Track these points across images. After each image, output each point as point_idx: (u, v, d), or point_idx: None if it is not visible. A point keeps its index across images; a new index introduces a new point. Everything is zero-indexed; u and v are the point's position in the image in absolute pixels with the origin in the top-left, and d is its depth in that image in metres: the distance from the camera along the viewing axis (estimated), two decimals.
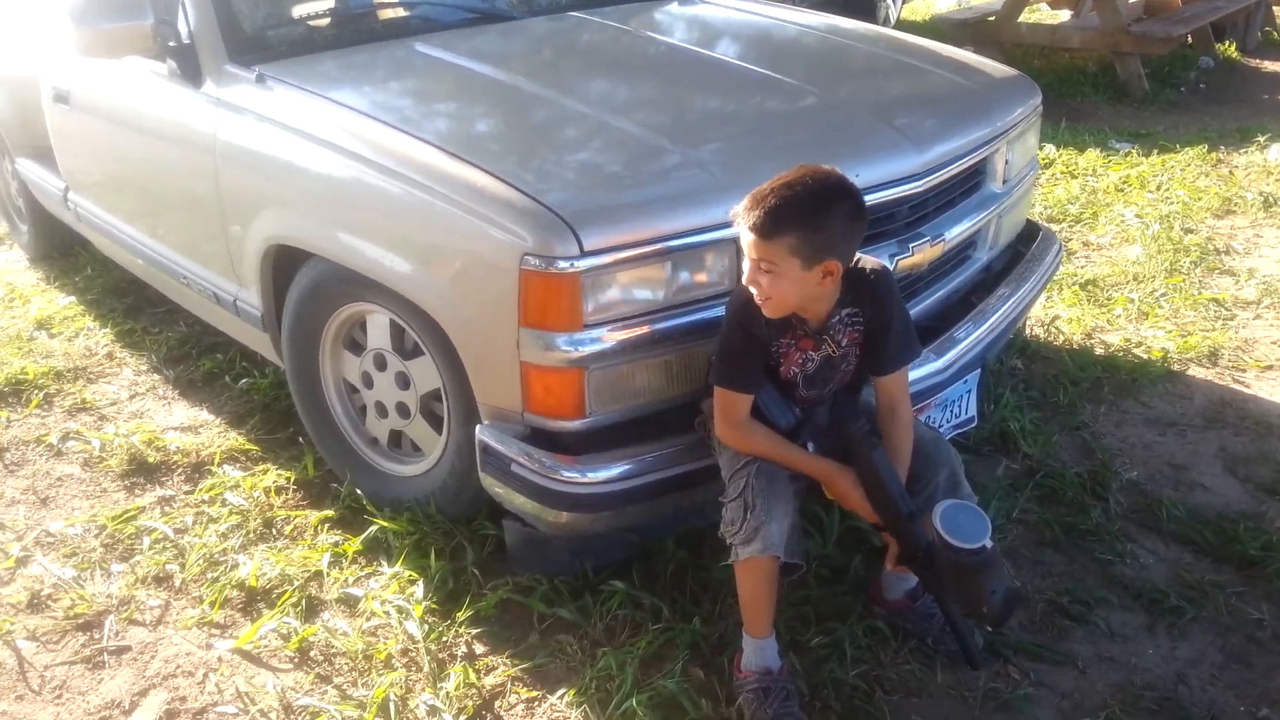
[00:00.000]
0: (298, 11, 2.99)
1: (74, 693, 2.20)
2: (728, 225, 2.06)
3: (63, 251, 4.33)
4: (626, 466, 2.11)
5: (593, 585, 2.33)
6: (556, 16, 3.23)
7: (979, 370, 2.63)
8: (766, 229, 1.78)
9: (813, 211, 1.78)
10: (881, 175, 2.34)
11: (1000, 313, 2.71)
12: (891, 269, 2.23)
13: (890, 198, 2.36)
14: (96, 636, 2.34)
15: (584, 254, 2.00)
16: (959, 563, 1.76)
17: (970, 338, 2.60)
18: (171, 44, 2.78)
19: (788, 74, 2.74)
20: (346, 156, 2.35)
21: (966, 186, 2.71)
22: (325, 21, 2.99)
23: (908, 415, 2.02)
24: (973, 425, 2.68)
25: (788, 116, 2.59)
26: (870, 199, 2.28)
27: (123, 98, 3.15)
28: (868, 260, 2.01)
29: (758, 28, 3.33)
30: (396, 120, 2.37)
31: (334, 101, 2.49)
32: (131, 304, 3.90)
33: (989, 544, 1.75)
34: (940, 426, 2.57)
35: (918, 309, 2.58)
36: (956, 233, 2.59)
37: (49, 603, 2.44)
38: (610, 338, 2.07)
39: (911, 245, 2.43)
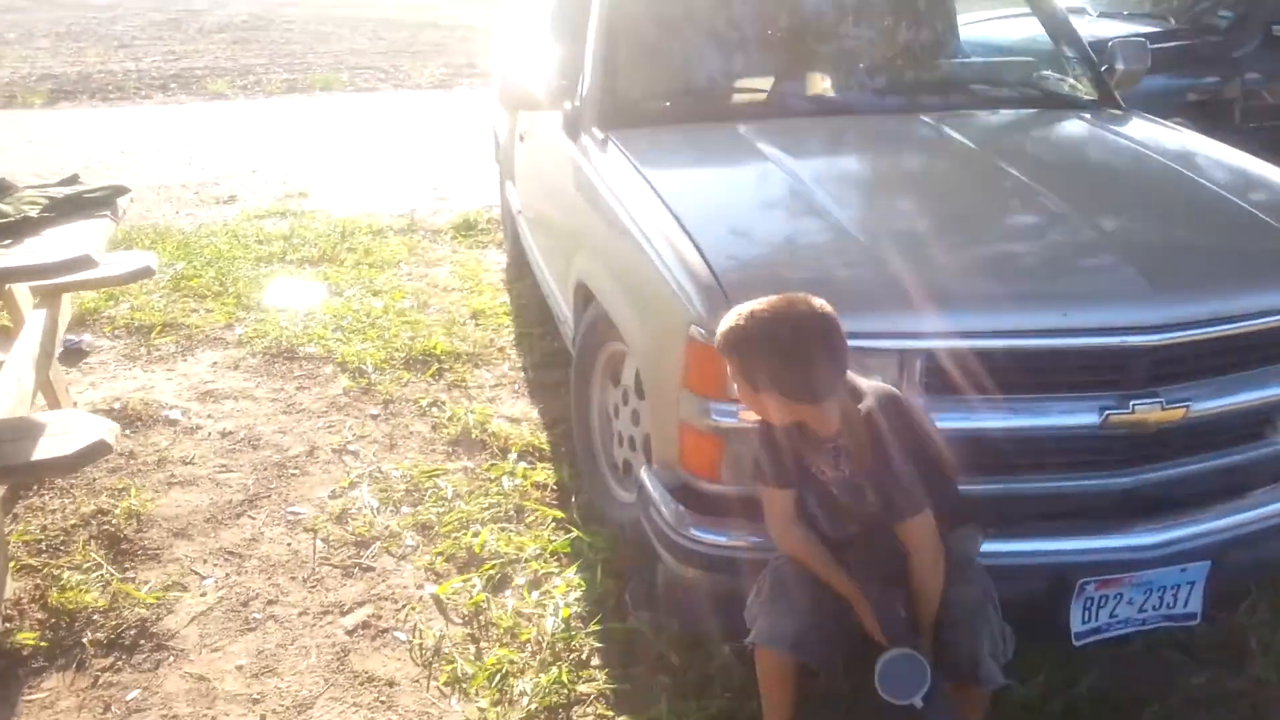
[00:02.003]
0: (655, 90, 3.43)
1: (322, 587, 2.85)
2: (888, 335, 2.12)
3: (526, 260, 5.28)
4: (726, 536, 2.24)
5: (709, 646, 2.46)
6: (900, 117, 3.32)
7: (1208, 565, 2.30)
8: (719, 346, 1.86)
9: (754, 346, 1.81)
10: (1097, 319, 2.19)
11: (1259, 514, 2.33)
12: (898, 399, 1.99)
13: (1103, 345, 2.19)
14: (361, 554, 2.98)
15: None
16: (889, 708, 1.69)
17: (1203, 527, 2.30)
18: (567, 105, 3.38)
19: (1066, 194, 2.61)
20: (621, 214, 2.74)
21: (1258, 355, 2.36)
22: (678, 101, 3.40)
23: (922, 564, 1.91)
24: (1192, 623, 2.34)
25: (1022, 235, 2.50)
26: (1077, 341, 2.18)
27: (545, 141, 3.85)
28: (871, 391, 1.91)
29: (1096, 144, 3.17)
30: (664, 188, 2.70)
31: (634, 166, 2.89)
32: (545, 313, 4.66)
33: (917, 704, 1.66)
34: (1144, 612, 2.31)
35: (1156, 475, 2.34)
36: (1214, 405, 2.29)
37: (349, 519, 3.15)
38: (747, 417, 2.22)
39: (1134, 403, 2.22)
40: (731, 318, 1.89)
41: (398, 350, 4.29)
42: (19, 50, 17.14)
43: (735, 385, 1.95)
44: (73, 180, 3.21)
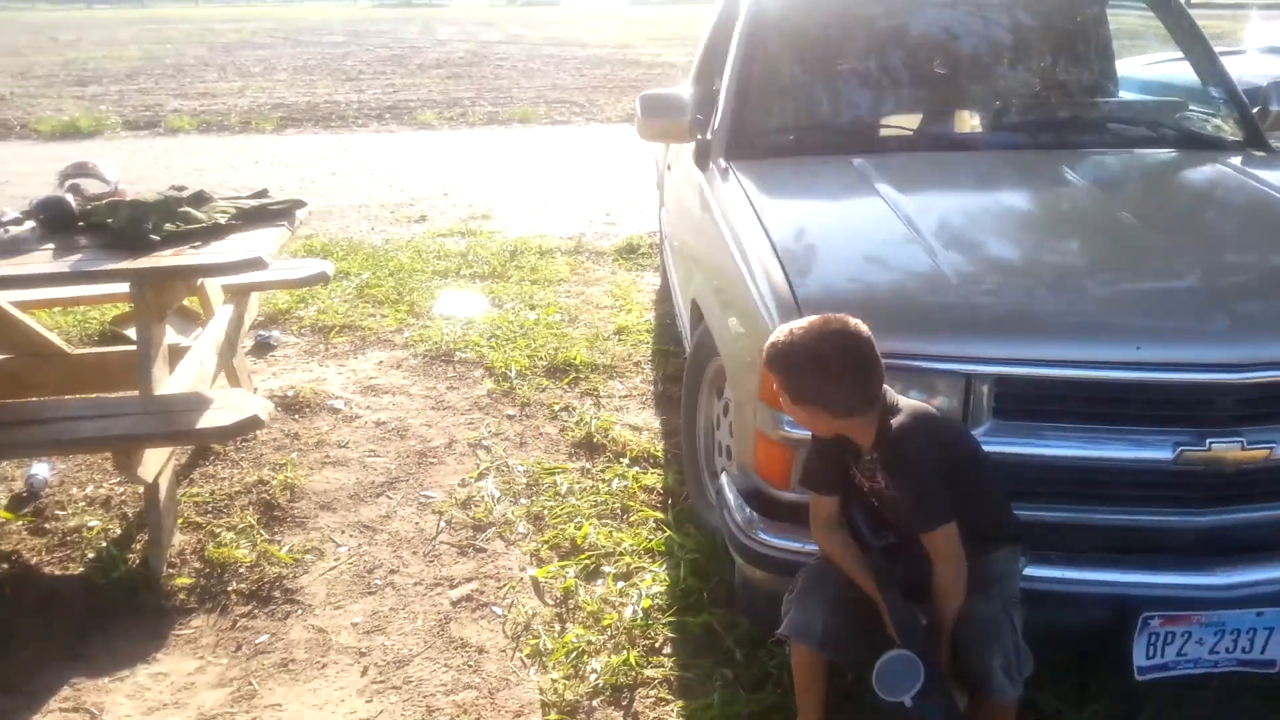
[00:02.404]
0: (778, 124, 3.58)
1: (439, 563, 3.13)
2: (954, 359, 2.21)
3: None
4: (792, 541, 2.35)
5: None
6: (1021, 154, 3.34)
7: None
8: (764, 361, 1.99)
9: (795, 363, 1.94)
10: (1174, 355, 2.19)
11: None
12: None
13: (1182, 380, 2.18)
14: (477, 536, 3.25)
15: None
16: (884, 705, 1.77)
17: (1276, 574, 2.24)
18: (699, 138, 3.59)
19: (1170, 234, 2.59)
20: (728, 236, 2.91)
21: None
22: (799, 134, 3.53)
23: (943, 575, 1.97)
24: (1270, 670, 2.27)
25: (1112, 272, 2.49)
26: (1154, 376, 2.19)
27: (682, 171, 4.07)
28: (906, 409, 1.98)
29: (1218, 185, 3.10)
30: (766, 214, 2.85)
31: (745, 193, 3.05)
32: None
33: (907, 702, 1.73)
34: (1216, 654, 2.27)
35: (1240, 516, 2.30)
36: None
37: (472, 505, 3.44)
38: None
39: (1211, 440, 2.20)
40: (776, 335, 2.02)
41: (541, 359, 4.58)
42: (260, 82, 18.93)
43: (780, 399, 2.08)
44: (261, 194, 3.66)
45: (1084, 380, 2.21)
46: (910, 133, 3.46)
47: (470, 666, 2.65)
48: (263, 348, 4.90)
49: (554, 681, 2.56)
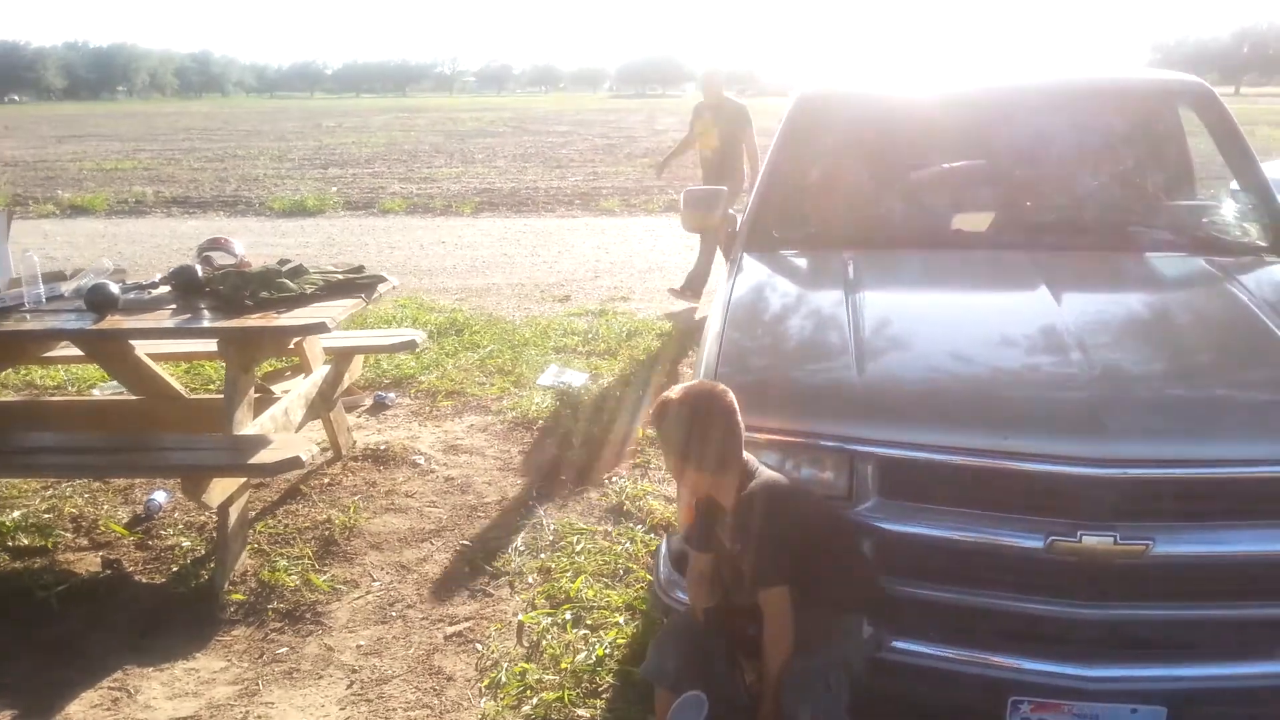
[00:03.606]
0: (794, 222, 3.83)
1: (449, 603, 3.51)
2: (838, 439, 2.42)
3: None
4: None
5: None
6: (1012, 252, 3.43)
7: (1163, 711, 2.27)
8: (651, 420, 2.28)
9: (669, 421, 2.24)
10: (1039, 447, 2.30)
11: (1231, 671, 2.26)
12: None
13: (1046, 472, 2.29)
14: (490, 583, 3.63)
15: None
16: None
17: (1152, 672, 2.30)
18: (724, 233, 3.91)
19: (1102, 334, 2.67)
20: (713, 318, 3.18)
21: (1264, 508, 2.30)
22: (812, 232, 3.78)
23: (770, 631, 2.22)
24: None
25: (1016, 365, 2.61)
26: (1021, 466, 2.31)
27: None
28: (761, 478, 2.23)
29: (1190, 288, 3.16)
30: (734, 300, 3.11)
31: (733, 282, 3.33)
32: None
33: None
34: None
35: (1124, 612, 2.35)
36: (1187, 550, 2.28)
37: (497, 556, 3.81)
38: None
39: (1082, 533, 2.28)
40: (662, 396, 2.33)
41: (610, 432, 4.95)
42: (478, 169, 20.56)
43: (666, 461, 2.36)
44: (357, 270, 4.25)
45: (955, 466, 2.35)
46: (911, 232, 3.63)
47: (435, 690, 3.01)
48: (379, 406, 5.52)
49: (497, 708, 2.87)
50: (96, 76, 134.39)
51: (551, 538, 3.94)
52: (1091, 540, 2.27)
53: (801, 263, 3.55)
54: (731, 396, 2.26)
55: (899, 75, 4.18)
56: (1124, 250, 3.43)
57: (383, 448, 4.86)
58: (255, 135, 33.49)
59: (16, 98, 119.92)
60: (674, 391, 2.30)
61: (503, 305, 8.15)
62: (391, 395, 5.66)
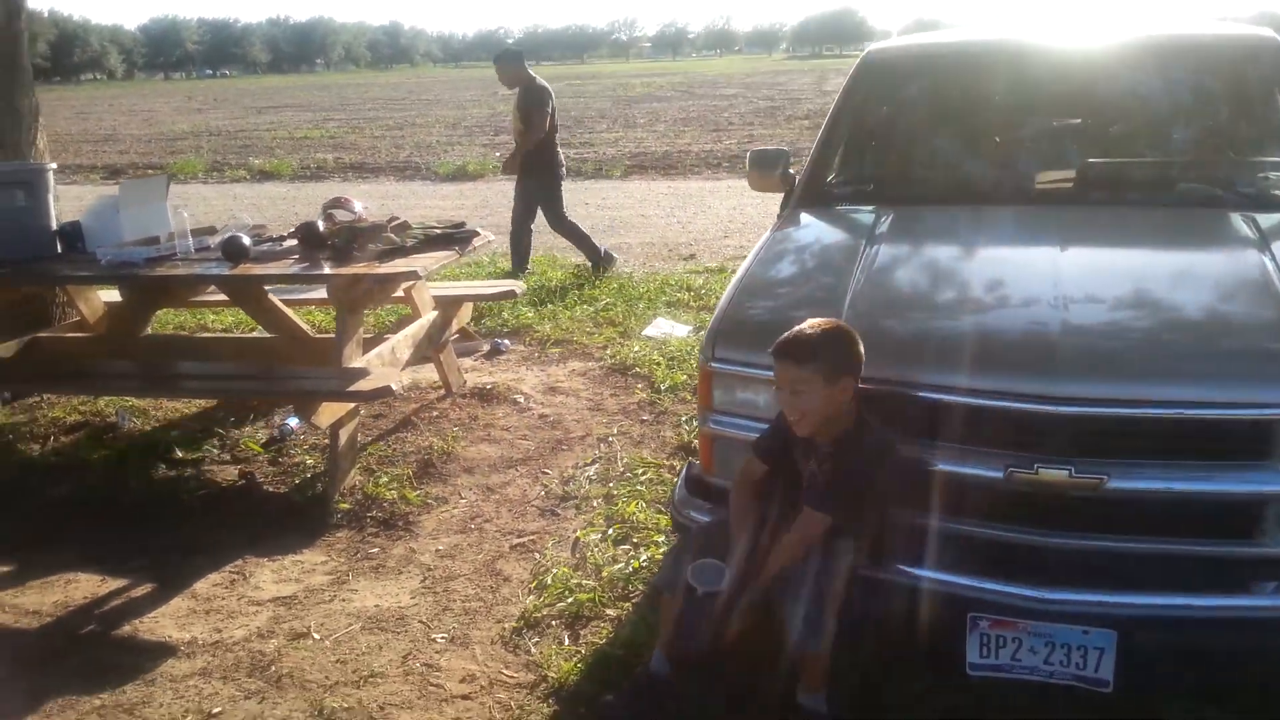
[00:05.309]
0: (848, 178, 4.03)
1: (521, 519, 3.96)
2: None
3: None
4: (705, 517, 2.89)
5: None
6: (1048, 206, 3.55)
7: (1113, 634, 2.45)
8: (780, 346, 2.50)
9: (813, 339, 2.48)
10: (1000, 385, 2.50)
11: (1175, 601, 2.42)
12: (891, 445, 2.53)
13: (1005, 408, 2.49)
14: (559, 505, 4.05)
15: (715, 359, 2.88)
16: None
17: (1099, 597, 2.46)
18: (785, 191, 4.16)
19: (1108, 281, 2.82)
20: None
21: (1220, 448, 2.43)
22: (854, 190, 3.97)
23: (789, 539, 2.52)
24: (1103, 689, 2.46)
25: (1009, 311, 2.78)
26: (982, 403, 2.53)
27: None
28: (880, 431, 2.52)
29: (1204, 240, 3.20)
30: (766, 246, 3.38)
31: (772, 231, 3.59)
32: None
33: (699, 591, 2.45)
34: (1050, 665, 2.51)
35: (1086, 542, 2.53)
36: (1140, 486, 2.43)
37: (571, 482, 4.23)
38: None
39: (1038, 465, 2.48)
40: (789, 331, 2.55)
41: (695, 380, 5.27)
42: (638, 133, 21.00)
43: (778, 378, 2.61)
44: (457, 226, 4.72)
45: (923, 401, 2.58)
46: (954, 189, 3.78)
47: (491, 588, 3.45)
48: (494, 351, 6.04)
49: (538, 604, 3.29)
50: (296, 51, 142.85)
51: (621, 469, 4.32)
52: (1049, 473, 2.46)
53: (841, 217, 3.77)
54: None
55: (964, 33, 4.30)
56: (1178, 205, 3.47)
57: (489, 387, 5.35)
58: (436, 104, 35.13)
59: (227, 72, 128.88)
60: (810, 322, 2.53)
61: (630, 262, 8.55)
62: (506, 342, 6.16)
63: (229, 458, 4.64)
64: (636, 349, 5.85)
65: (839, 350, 2.49)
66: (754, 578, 2.52)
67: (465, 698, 2.86)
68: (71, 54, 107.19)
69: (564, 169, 8.24)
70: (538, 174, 7.89)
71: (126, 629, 3.29)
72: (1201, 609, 2.44)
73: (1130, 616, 2.45)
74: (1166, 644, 2.49)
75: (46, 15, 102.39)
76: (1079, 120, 3.94)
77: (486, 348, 6.10)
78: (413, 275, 4.06)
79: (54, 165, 4.76)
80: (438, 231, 4.58)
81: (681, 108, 28.75)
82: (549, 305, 6.88)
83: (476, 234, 4.62)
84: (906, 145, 4.12)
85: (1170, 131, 3.89)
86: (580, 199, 12.25)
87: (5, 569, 3.73)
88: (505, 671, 2.98)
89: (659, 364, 5.57)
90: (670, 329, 6.28)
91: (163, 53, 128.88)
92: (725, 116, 24.78)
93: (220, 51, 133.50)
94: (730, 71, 58.35)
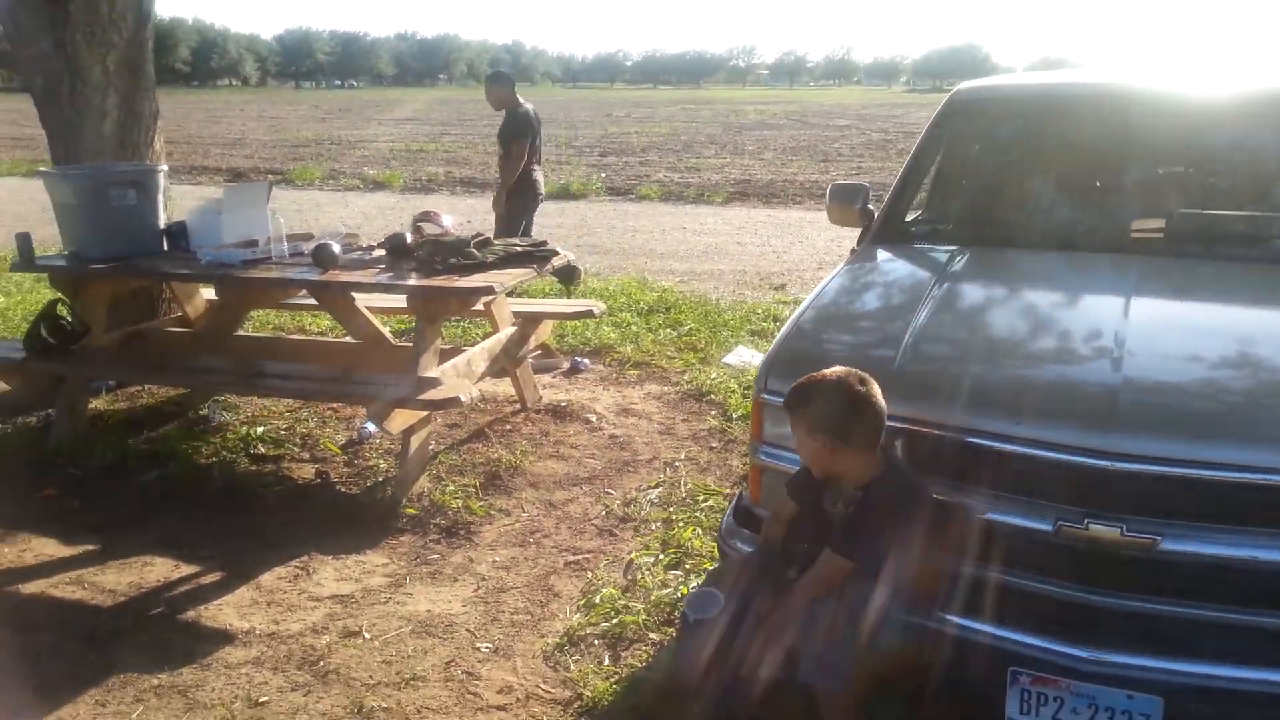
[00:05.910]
0: (928, 217, 3.98)
1: (580, 537, 4.00)
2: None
3: None
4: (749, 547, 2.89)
5: None
6: (1126, 255, 3.44)
7: (1160, 701, 2.36)
8: (791, 397, 2.54)
9: (822, 397, 2.47)
10: (1047, 435, 2.44)
11: (1229, 672, 2.31)
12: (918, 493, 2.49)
13: (1053, 460, 2.43)
14: (617, 526, 4.08)
15: (767, 390, 2.88)
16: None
17: (1147, 662, 2.38)
18: (862, 226, 4.14)
19: (1165, 336, 2.73)
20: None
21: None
22: (928, 229, 3.91)
23: (807, 581, 2.50)
24: None
25: (1059, 362, 2.70)
26: (1030, 452, 2.47)
27: None
28: (912, 476, 2.50)
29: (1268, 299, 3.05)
30: (833, 282, 3.37)
31: (840, 267, 3.57)
32: None
33: (690, 616, 2.43)
34: None
35: (1134, 604, 2.45)
36: (1196, 549, 2.35)
37: (633, 504, 4.26)
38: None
39: (1089, 521, 2.42)
40: (804, 379, 2.56)
41: None
42: (745, 160, 21.01)
43: (795, 431, 2.63)
44: (539, 244, 4.82)
45: (972, 446, 2.53)
46: (1032, 233, 3.69)
47: (541, 602, 3.50)
48: (573, 370, 6.12)
49: (583, 622, 3.32)
50: (421, 65, 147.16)
51: (684, 495, 4.33)
52: (1099, 529, 2.39)
53: (916, 254, 3.72)
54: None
55: (1058, 75, 4.21)
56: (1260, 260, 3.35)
57: (563, 404, 5.42)
58: (549, 123, 35.68)
59: (354, 83, 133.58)
60: (826, 371, 2.52)
61: (719, 289, 8.57)
62: (586, 361, 6.24)
63: (308, 456, 4.80)
64: (714, 376, 5.86)
65: (833, 410, 2.46)
66: (762, 613, 2.50)
67: (500, 708, 2.91)
68: (210, 60, 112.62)
69: (542, 196, 8.36)
70: (519, 194, 8.07)
71: (191, 614, 3.44)
72: (1255, 682, 2.34)
73: (1179, 684, 2.36)
74: (1215, 716, 2.39)
75: (190, 22, 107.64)
76: (1174, 169, 3.81)
77: (566, 365, 6.19)
78: (488, 290, 4.16)
79: (165, 167, 5.03)
80: (518, 249, 4.68)
81: (792, 136, 28.68)
82: (631, 326, 6.94)
83: (556, 253, 4.71)
84: (989, 185, 4.05)
85: (1272, 187, 3.74)
86: (678, 223, 12.34)
87: (92, 548, 3.93)
88: (542, 686, 3.01)
89: (734, 392, 5.56)
90: (750, 358, 6.27)
91: (295, 62, 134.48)
92: (835, 147, 24.62)
93: (349, 63, 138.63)
94: (847, 102, 57.97)
